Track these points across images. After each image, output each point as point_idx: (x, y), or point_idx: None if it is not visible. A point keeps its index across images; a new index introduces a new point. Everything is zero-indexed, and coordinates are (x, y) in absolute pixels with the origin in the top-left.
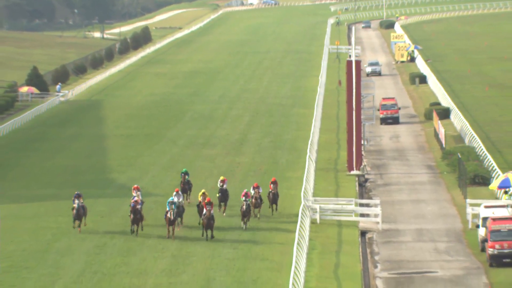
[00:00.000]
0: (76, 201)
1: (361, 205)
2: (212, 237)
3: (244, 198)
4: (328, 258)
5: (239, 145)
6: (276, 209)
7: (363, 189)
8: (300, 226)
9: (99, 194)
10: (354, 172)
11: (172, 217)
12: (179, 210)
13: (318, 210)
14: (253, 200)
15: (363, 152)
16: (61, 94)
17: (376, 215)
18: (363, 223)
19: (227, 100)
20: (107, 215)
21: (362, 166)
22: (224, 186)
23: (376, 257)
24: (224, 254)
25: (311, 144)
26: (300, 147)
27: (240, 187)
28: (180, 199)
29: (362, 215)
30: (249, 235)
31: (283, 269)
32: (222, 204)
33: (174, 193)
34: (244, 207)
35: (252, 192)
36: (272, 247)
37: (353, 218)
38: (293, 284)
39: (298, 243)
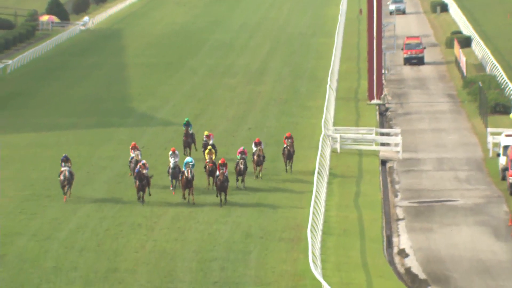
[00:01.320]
0: (64, 165)
1: (382, 134)
2: (225, 201)
3: (240, 156)
4: (348, 187)
5: (259, 74)
6: (291, 166)
7: (384, 118)
8: (321, 155)
9: (120, 123)
10: (375, 101)
11: (189, 176)
12: (175, 171)
13: (338, 139)
14: (255, 157)
15: (383, 81)
16: (81, 23)
17: (396, 144)
18: (384, 152)
19: (247, 29)
20: (127, 144)
21: (382, 95)
22: (211, 141)
23: (397, 186)
24: (246, 183)
25: (331, 73)
26: (321, 76)
27: (261, 116)
28: (177, 160)
29: (382, 144)
30: (270, 164)
31: (304, 199)
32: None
33: (170, 152)
34: (242, 165)
35: (254, 148)
36: (292, 177)
37: (374, 148)
38: (313, 213)
39: (318, 173)
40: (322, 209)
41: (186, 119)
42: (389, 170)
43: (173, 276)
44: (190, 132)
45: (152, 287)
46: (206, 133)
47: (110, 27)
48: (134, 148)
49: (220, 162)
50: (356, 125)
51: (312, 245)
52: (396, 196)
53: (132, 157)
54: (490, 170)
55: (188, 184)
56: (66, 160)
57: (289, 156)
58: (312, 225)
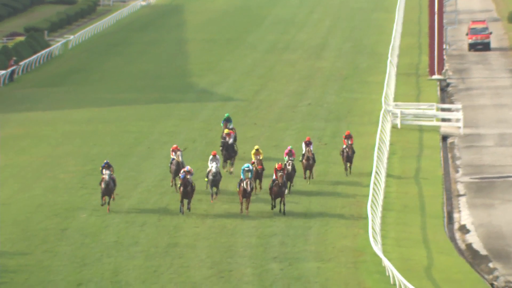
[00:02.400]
0: (105, 172)
1: (443, 109)
2: (284, 209)
3: (287, 158)
4: (408, 163)
5: (319, 50)
6: (350, 167)
7: (445, 94)
8: (381, 131)
9: (180, 99)
10: (436, 76)
11: (248, 188)
12: (216, 179)
13: (399, 115)
14: (304, 160)
15: (444, 56)
16: None
17: (457, 120)
18: (445, 127)
19: (307, 4)
20: (187, 119)
21: (443, 71)
22: (230, 140)
23: (458, 162)
24: None
25: (392, 49)
26: (381, 51)
27: (321, 92)
28: (218, 165)
29: (443, 119)
30: (330, 139)
31: (364, 174)
32: (228, 161)
33: (211, 156)
34: (289, 167)
35: (304, 148)
36: None
37: (434, 123)
38: (373, 188)
39: (378, 148)
40: (382, 185)
41: (226, 114)
42: (450, 146)
43: (233, 251)
44: (231, 128)
45: (212, 262)
46: (226, 131)
47: (171, 3)
48: (176, 150)
49: (277, 167)
50: (417, 101)
51: (372, 220)
52: (457, 171)
53: (173, 159)
54: None
55: (246, 195)
56: (107, 166)
57: (348, 158)
58: (372, 201)
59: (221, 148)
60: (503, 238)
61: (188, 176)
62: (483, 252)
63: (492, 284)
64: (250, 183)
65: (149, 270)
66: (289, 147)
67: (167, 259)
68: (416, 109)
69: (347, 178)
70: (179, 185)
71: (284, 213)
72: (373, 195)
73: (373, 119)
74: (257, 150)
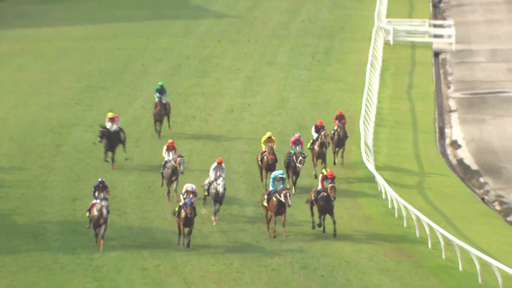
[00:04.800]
0: (97, 195)
1: (435, 26)
2: (335, 234)
3: (294, 147)
4: (401, 79)
5: None
6: (342, 157)
7: (437, 10)
8: (373, 47)
9: (174, 15)
10: None
11: (289, 202)
12: (222, 194)
13: (391, 31)
14: (316, 147)
15: None
16: None
17: (449, 36)
18: (437, 44)
19: None
20: (182, 36)
21: None
22: (114, 127)
23: (449, 78)
24: (298, 76)
25: None
26: None
27: (315, 9)
28: (223, 176)
29: (435, 36)
30: (323, 56)
31: (356, 90)
32: (109, 153)
33: (215, 164)
34: (300, 164)
35: (314, 134)
36: (345, 68)
37: (427, 39)
38: (366, 104)
39: (371, 64)
40: (375, 101)
41: (160, 83)
42: (442, 62)
43: (227, 168)
44: (164, 101)
45: (206, 176)
46: (110, 114)
47: None
48: (171, 148)
49: (327, 173)
50: (409, 17)
51: (364, 136)
52: (449, 87)
53: (167, 161)
54: None
55: (281, 212)
56: (102, 188)
57: (339, 142)
58: (364, 117)
59: (99, 137)
60: (494, 153)
61: (192, 198)
62: (474, 167)
63: (482, 198)
64: (289, 195)
65: (144, 186)
66: (296, 135)
67: (160, 174)
68: (409, 25)
69: (339, 94)
70: (176, 209)
71: (335, 235)
72: (365, 111)
73: (366, 35)
74: (269, 137)
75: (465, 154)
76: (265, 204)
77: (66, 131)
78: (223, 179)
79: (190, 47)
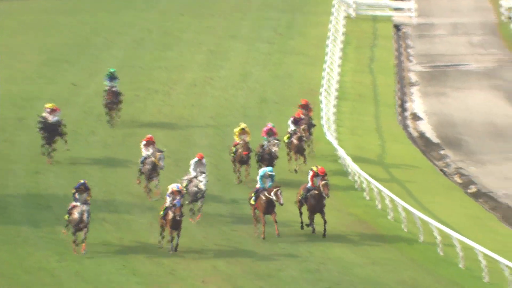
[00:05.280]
0: (78, 197)
1: None
2: (325, 234)
3: (266, 138)
4: (362, 53)
5: None
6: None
7: None
8: (335, 20)
9: None
10: None
11: (281, 200)
12: (202, 193)
13: (353, 4)
14: (294, 140)
15: None
16: None
17: (410, 10)
18: (398, 17)
19: None
20: (145, 10)
21: None
22: (54, 118)
23: (411, 51)
24: (260, 49)
25: None
26: None
27: None
28: (204, 171)
29: (396, 9)
30: (285, 29)
31: (318, 63)
32: (49, 148)
33: (195, 160)
34: (275, 146)
35: (292, 127)
36: (307, 42)
37: (388, 13)
38: (327, 78)
39: (332, 38)
40: (336, 74)
41: (110, 69)
42: (403, 35)
43: (190, 141)
44: (116, 89)
45: (169, 151)
46: (50, 105)
47: None
48: (150, 143)
49: (319, 170)
50: None
51: (326, 110)
52: (410, 61)
53: (146, 157)
54: (503, 34)
55: (270, 209)
56: (84, 189)
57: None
58: (326, 90)
59: (39, 128)
60: (454, 125)
61: (180, 198)
62: (435, 139)
63: (443, 171)
64: (281, 193)
65: (107, 159)
66: (269, 124)
67: (123, 148)
68: None
69: (302, 67)
70: (162, 212)
71: (325, 235)
72: (327, 84)
73: (327, 9)
74: (243, 129)
75: (426, 127)
76: (253, 202)
77: (28, 104)
78: (206, 176)
79: (152, 21)
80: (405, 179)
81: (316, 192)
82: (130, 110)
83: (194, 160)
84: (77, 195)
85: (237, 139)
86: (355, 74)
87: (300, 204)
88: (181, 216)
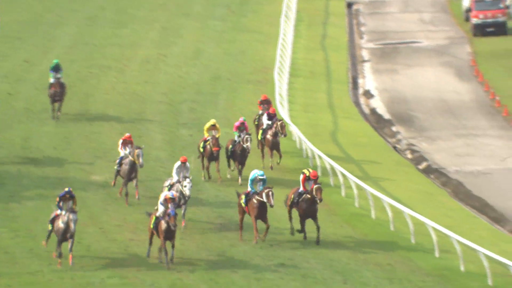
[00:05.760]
0: (61, 205)
1: None
2: (318, 240)
3: (238, 133)
4: (315, 30)
5: None
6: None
7: None
8: None
9: None
10: None
11: (271, 202)
12: (185, 200)
13: None
14: (268, 136)
15: None
16: None
17: None
18: None
19: None
20: None
21: None
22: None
23: (363, 28)
24: (214, 27)
25: None
26: None
27: None
28: (187, 176)
29: None
30: (238, 7)
31: (271, 41)
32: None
33: (178, 163)
34: (247, 142)
35: (266, 122)
36: (260, 19)
37: None
38: (280, 55)
39: (285, 15)
40: (289, 52)
41: (55, 61)
42: (355, 13)
43: (144, 118)
44: (61, 80)
45: (122, 128)
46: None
47: None
48: (128, 142)
49: (311, 174)
50: None
51: (279, 87)
52: (362, 38)
53: (123, 157)
54: (454, 12)
55: (262, 213)
56: (69, 198)
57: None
58: (279, 68)
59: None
60: (405, 102)
61: (172, 207)
62: (387, 116)
63: (395, 147)
64: (272, 195)
65: (60, 136)
66: (241, 119)
67: (78, 125)
68: None
69: (255, 45)
70: (153, 221)
71: (318, 242)
72: (280, 62)
73: None
74: (213, 125)
75: (378, 104)
76: (243, 204)
77: None
78: (190, 180)
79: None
80: (357, 155)
81: (309, 196)
82: (83, 87)
83: (177, 163)
84: (61, 203)
85: (206, 135)
86: (307, 52)
87: (290, 208)
88: (175, 225)
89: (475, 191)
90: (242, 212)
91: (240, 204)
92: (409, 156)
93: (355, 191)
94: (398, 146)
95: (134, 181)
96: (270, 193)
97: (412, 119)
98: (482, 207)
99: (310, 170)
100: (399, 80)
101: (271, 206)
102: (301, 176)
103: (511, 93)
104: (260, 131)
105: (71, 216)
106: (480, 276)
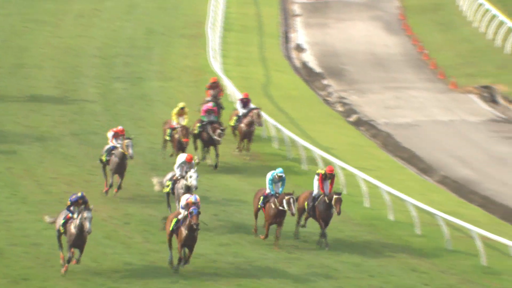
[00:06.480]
0: (72, 209)
1: None
2: (327, 243)
3: (206, 116)
4: None
5: None
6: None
7: None
8: None
9: None
10: None
11: (293, 209)
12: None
13: None
14: (243, 125)
15: None
16: None
17: None
18: None
19: None
20: None
21: None
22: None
23: None
24: None
25: None
26: None
27: None
28: (197, 176)
29: None
30: None
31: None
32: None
33: (182, 160)
34: (219, 137)
35: (242, 110)
36: None
37: None
38: (213, 10)
39: None
40: (222, 6)
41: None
42: None
43: (78, 72)
44: None
45: (57, 82)
46: None
47: None
48: (120, 135)
49: (327, 169)
50: None
51: (212, 41)
52: None
53: (113, 147)
54: None
55: (278, 219)
56: (82, 203)
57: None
58: (212, 22)
59: None
60: (336, 56)
61: (193, 211)
62: (318, 69)
63: (326, 100)
64: (294, 202)
65: None
66: (210, 104)
67: (13, 79)
68: None
69: (187, 5)
70: (173, 225)
71: (327, 245)
72: (212, 16)
73: None
74: (181, 108)
75: (309, 58)
76: (259, 205)
77: None
78: (196, 170)
79: None
80: (289, 108)
81: (326, 200)
82: (19, 41)
83: (182, 159)
84: (71, 207)
85: (175, 120)
86: (240, 6)
87: (307, 213)
88: (198, 225)
89: (404, 142)
90: (258, 208)
91: (256, 204)
92: (340, 108)
93: (287, 143)
94: (329, 98)
95: (120, 180)
96: (291, 200)
97: (342, 72)
98: (411, 158)
99: (327, 167)
100: (330, 34)
101: (292, 214)
102: (316, 177)
103: (438, 46)
104: (235, 118)
105: (86, 214)
106: (408, 225)
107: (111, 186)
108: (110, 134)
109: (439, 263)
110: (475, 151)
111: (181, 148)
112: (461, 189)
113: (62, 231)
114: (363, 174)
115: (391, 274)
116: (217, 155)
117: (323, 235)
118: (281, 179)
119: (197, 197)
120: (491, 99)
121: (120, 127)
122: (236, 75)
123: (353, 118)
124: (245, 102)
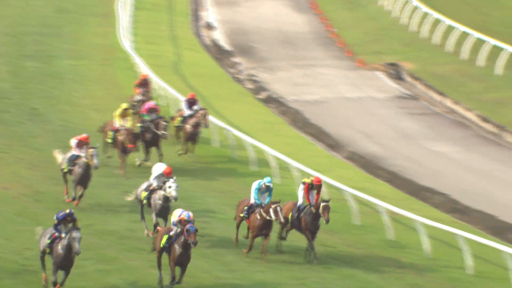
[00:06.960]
0: (61, 230)
1: None
2: (316, 256)
3: (148, 114)
4: None
5: None
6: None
7: None
8: None
9: None
10: None
11: (281, 219)
12: (165, 208)
13: None
14: (187, 126)
15: None
16: None
17: None
18: None
19: None
20: None
21: None
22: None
23: None
24: None
25: None
26: None
27: None
28: (171, 185)
29: None
30: None
31: None
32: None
33: (74, 141)
34: (165, 131)
35: (187, 111)
36: None
37: None
38: None
39: None
40: None
41: None
42: None
43: None
44: None
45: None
46: None
47: None
48: (84, 144)
49: (314, 180)
50: None
51: (122, 19)
52: None
53: (77, 157)
54: None
55: (264, 231)
56: (70, 221)
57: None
58: (122, 0)
59: None
60: (246, 34)
61: (190, 228)
62: (228, 47)
63: (236, 78)
64: (281, 210)
65: None
66: (152, 103)
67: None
68: None
69: None
70: (164, 241)
71: (316, 258)
72: None
73: None
74: (124, 109)
75: (219, 36)
76: (242, 215)
77: None
78: (175, 180)
79: None
80: (200, 86)
81: (313, 210)
82: None
83: (159, 171)
84: (58, 226)
85: (120, 122)
86: None
87: (290, 229)
88: (196, 243)
89: (312, 119)
90: (239, 220)
91: (238, 215)
92: (250, 86)
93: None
94: (238, 76)
95: (81, 191)
96: (278, 208)
97: (252, 50)
98: (319, 134)
99: (314, 177)
100: (240, 12)
101: (281, 223)
102: (301, 187)
103: (346, 24)
104: (179, 119)
105: (74, 234)
106: None
107: (74, 199)
108: (73, 141)
109: (347, 237)
110: (382, 127)
111: (124, 151)
112: (369, 164)
113: (47, 251)
114: (273, 150)
115: (299, 249)
116: (160, 155)
117: (311, 248)
118: (268, 188)
119: (190, 213)
120: (397, 76)
121: (84, 135)
122: (146, 53)
123: (262, 95)
124: (191, 103)
